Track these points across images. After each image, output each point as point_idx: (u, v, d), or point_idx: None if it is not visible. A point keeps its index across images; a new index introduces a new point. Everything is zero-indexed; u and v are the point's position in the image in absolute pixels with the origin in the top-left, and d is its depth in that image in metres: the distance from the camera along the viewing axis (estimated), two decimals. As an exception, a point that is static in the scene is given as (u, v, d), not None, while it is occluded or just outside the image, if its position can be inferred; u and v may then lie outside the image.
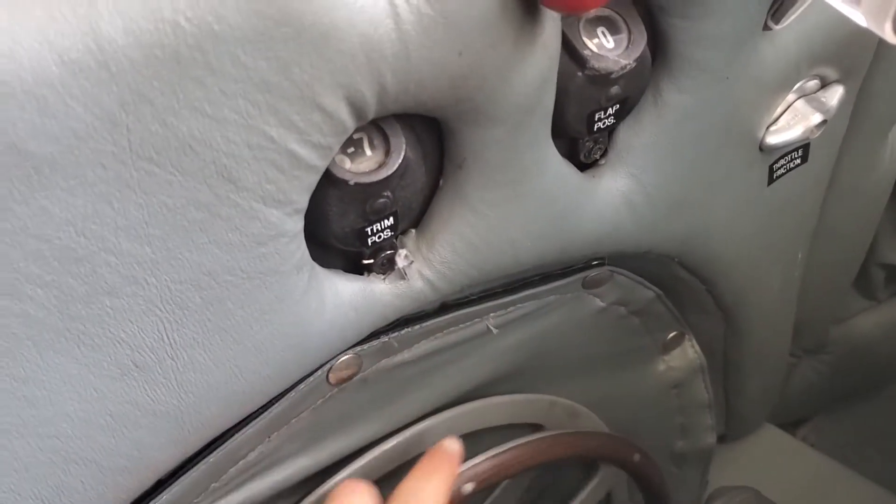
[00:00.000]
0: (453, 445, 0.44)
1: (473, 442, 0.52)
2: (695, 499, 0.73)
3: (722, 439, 0.76)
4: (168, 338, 0.32)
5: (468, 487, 0.50)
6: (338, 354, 0.41)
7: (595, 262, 0.51)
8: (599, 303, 0.55)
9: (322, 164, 0.32)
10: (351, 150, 0.35)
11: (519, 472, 0.53)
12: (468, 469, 0.50)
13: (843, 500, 0.76)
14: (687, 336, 0.63)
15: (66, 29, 0.25)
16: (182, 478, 0.38)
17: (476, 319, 0.48)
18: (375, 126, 0.35)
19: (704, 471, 0.73)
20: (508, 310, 0.49)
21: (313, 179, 0.32)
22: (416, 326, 0.44)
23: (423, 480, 0.42)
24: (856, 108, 0.56)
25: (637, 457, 0.59)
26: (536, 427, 0.58)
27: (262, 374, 0.36)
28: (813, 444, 0.86)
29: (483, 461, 0.51)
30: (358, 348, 0.42)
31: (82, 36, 0.25)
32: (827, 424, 0.89)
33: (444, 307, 0.46)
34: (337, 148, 0.32)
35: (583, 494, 0.62)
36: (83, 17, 0.25)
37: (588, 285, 0.52)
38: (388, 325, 0.43)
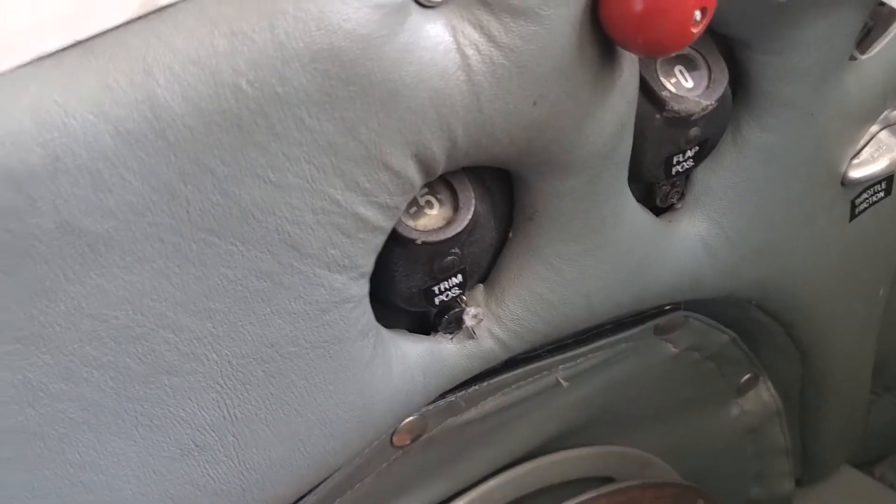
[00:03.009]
0: None
1: (543, 499, 0.50)
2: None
3: (798, 483, 0.72)
4: (229, 414, 0.30)
5: None
6: (403, 419, 0.39)
7: (668, 307, 0.48)
8: (672, 349, 0.52)
9: (388, 225, 0.30)
10: (413, 209, 0.33)
11: None
12: None
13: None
14: (762, 378, 0.60)
15: (122, 98, 0.23)
16: None
17: (545, 373, 0.45)
18: (443, 180, 0.33)
19: (782, 518, 0.69)
20: (578, 361, 0.46)
21: (379, 241, 0.30)
22: (484, 384, 0.42)
23: None
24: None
25: (700, 502, 0.56)
26: (607, 480, 0.55)
27: (327, 447, 0.34)
28: (892, 483, 0.82)
29: None
30: (423, 409, 0.40)
31: (138, 105, 0.23)
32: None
33: (511, 361, 0.43)
34: (403, 207, 0.30)
35: None
36: (139, 84, 0.23)
37: (660, 331, 0.49)
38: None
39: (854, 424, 0.70)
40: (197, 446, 0.30)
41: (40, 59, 0.23)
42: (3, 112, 0.22)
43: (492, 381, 0.42)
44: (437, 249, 0.33)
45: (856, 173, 0.48)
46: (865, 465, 0.82)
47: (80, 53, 0.23)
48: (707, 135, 0.38)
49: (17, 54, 0.23)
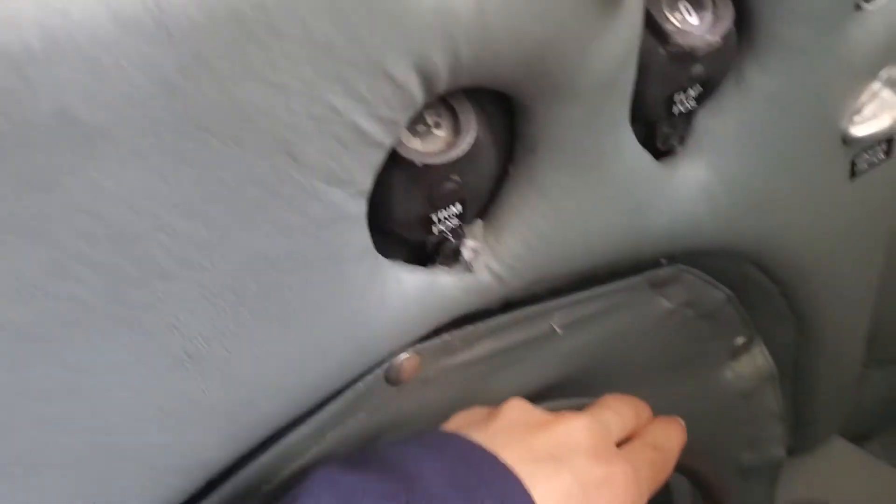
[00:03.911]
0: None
1: None
2: (761, 514, 0.69)
3: (789, 452, 0.72)
4: (223, 326, 0.30)
5: None
6: (397, 352, 0.39)
7: (664, 261, 0.48)
8: (667, 304, 0.52)
9: (388, 142, 0.30)
10: (420, 128, 0.32)
11: None
12: None
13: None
14: (757, 342, 0.60)
15: None
16: (233, 478, 0.36)
17: (540, 319, 0.45)
18: (445, 104, 0.33)
19: (773, 485, 0.69)
20: (574, 309, 0.46)
21: (378, 158, 0.30)
22: (479, 324, 0.42)
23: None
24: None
25: (692, 458, 0.56)
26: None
27: (321, 369, 0.34)
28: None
29: None
30: (418, 346, 0.40)
31: None
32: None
33: (507, 305, 0.43)
34: (404, 124, 0.30)
35: None
36: None
37: (656, 285, 0.49)
38: (450, 322, 0.41)
39: (846, 394, 0.70)
40: (189, 357, 0.30)
41: (41, -62, 0.23)
42: None
43: (487, 322, 0.42)
44: (437, 173, 0.33)
45: (857, 131, 0.48)
46: (856, 440, 0.82)
47: None
48: (710, 74, 0.38)
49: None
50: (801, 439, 0.72)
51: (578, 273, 0.42)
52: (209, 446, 0.32)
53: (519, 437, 0.35)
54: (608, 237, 0.40)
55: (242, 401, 0.32)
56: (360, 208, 0.31)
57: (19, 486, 0.28)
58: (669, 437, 0.42)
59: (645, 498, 0.37)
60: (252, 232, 0.29)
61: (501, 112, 0.35)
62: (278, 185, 0.28)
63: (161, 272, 0.28)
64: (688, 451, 0.55)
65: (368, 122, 0.28)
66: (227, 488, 0.36)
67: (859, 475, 0.75)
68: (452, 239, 0.36)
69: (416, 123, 0.32)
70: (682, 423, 0.42)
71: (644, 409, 0.44)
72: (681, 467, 0.56)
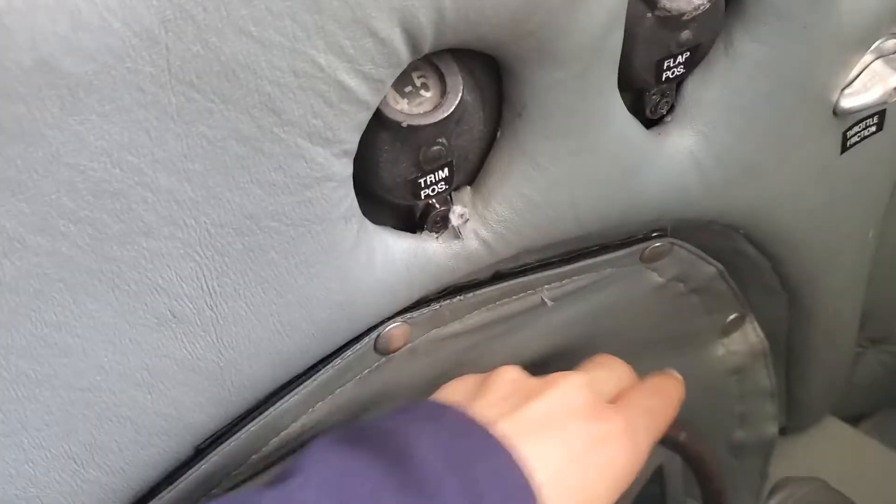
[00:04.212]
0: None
1: None
2: (755, 493, 0.69)
3: (782, 431, 0.72)
4: (207, 286, 0.30)
5: None
6: (386, 321, 0.39)
7: (655, 234, 0.48)
8: (657, 278, 0.52)
9: (373, 100, 0.30)
10: (408, 88, 0.32)
11: None
12: None
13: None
14: (749, 318, 0.60)
15: None
16: (222, 446, 0.36)
17: (530, 291, 0.45)
18: (431, 66, 0.33)
19: (765, 463, 0.69)
20: (564, 282, 0.46)
21: (363, 117, 0.30)
22: (469, 295, 0.42)
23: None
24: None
25: (683, 435, 0.55)
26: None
27: (308, 333, 0.34)
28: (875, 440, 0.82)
29: None
30: (407, 315, 0.40)
31: None
32: (891, 420, 0.85)
33: (497, 276, 0.43)
34: (389, 83, 0.30)
35: None
36: None
37: (646, 259, 0.49)
38: (440, 292, 0.41)
39: (840, 372, 0.70)
40: (174, 317, 0.30)
41: None
42: None
43: (477, 292, 0.42)
44: (423, 134, 0.33)
45: (848, 102, 0.47)
46: (850, 421, 0.82)
47: None
48: (698, 39, 0.38)
49: None
50: (795, 418, 0.72)
51: (567, 241, 0.41)
52: (195, 408, 0.32)
53: (512, 407, 0.35)
54: (596, 204, 0.40)
55: (229, 363, 0.32)
56: (345, 168, 0.31)
57: (1, 444, 0.28)
58: (666, 385, 0.42)
59: (644, 449, 0.37)
60: (236, 190, 0.29)
61: (489, 76, 0.35)
62: (262, 143, 0.28)
63: (145, 229, 0.28)
64: (679, 427, 0.55)
65: (353, 80, 0.28)
66: (216, 457, 0.36)
67: (853, 455, 0.75)
68: (440, 205, 0.36)
69: (405, 85, 0.32)
70: (678, 375, 0.42)
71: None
72: (673, 444, 0.56)
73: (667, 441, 0.56)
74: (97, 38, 0.24)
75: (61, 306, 0.27)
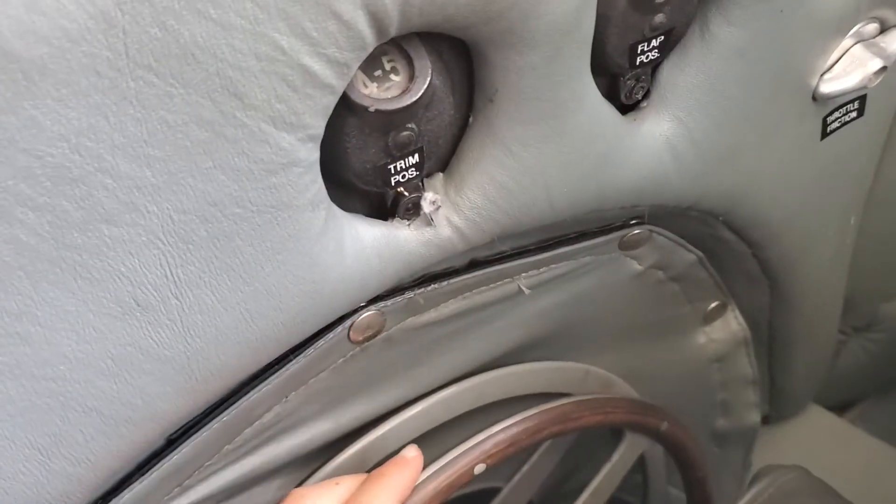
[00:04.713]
0: (412, 453, 0.41)
1: (501, 411, 0.49)
2: (737, 482, 0.69)
3: (765, 420, 0.72)
4: (171, 274, 0.29)
5: (480, 468, 0.47)
6: (359, 309, 0.38)
7: (633, 221, 0.48)
8: (637, 266, 0.51)
9: (338, 84, 0.29)
10: (377, 73, 0.32)
11: (538, 440, 0.49)
12: (485, 439, 0.47)
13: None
14: (730, 306, 0.60)
15: None
16: (194, 437, 0.35)
17: (507, 279, 0.45)
18: (401, 50, 0.32)
19: (748, 452, 0.69)
20: (541, 270, 0.46)
21: (329, 101, 0.29)
22: (444, 283, 0.41)
23: (372, 496, 0.39)
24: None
25: (665, 425, 0.55)
26: (568, 397, 0.54)
27: (276, 321, 0.33)
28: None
29: (499, 431, 0.48)
30: (381, 304, 0.39)
31: None
32: (875, 409, 0.85)
33: (473, 264, 0.43)
34: (355, 67, 0.29)
35: (611, 463, 0.58)
36: None
37: (625, 246, 0.49)
38: (414, 281, 0.40)
39: (823, 360, 0.70)
40: (139, 306, 0.29)
41: None
42: None
43: (452, 281, 0.42)
44: (391, 119, 0.32)
45: (827, 88, 0.47)
46: (835, 410, 0.82)
47: None
48: (672, 23, 0.37)
49: None
50: (778, 407, 0.72)
51: (542, 228, 0.41)
52: (162, 397, 0.32)
53: None
54: (570, 190, 0.39)
55: (195, 352, 0.32)
56: (311, 154, 0.30)
57: None
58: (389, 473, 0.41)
59: None
60: (199, 176, 0.28)
61: (460, 61, 0.34)
62: (225, 127, 0.28)
63: (106, 216, 0.27)
64: (661, 416, 0.55)
65: (317, 63, 0.28)
66: (188, 448, 0.35)
67: (837, 443, 0.75)
68: (411, 192, 0.36)
69: (374, 69, 0.32)
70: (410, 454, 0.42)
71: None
72: (655, 433, 0.56)
73: (649, 430, 0.56)
74: (51, 21, 0.23)
75: (21, 294, 0.27)
